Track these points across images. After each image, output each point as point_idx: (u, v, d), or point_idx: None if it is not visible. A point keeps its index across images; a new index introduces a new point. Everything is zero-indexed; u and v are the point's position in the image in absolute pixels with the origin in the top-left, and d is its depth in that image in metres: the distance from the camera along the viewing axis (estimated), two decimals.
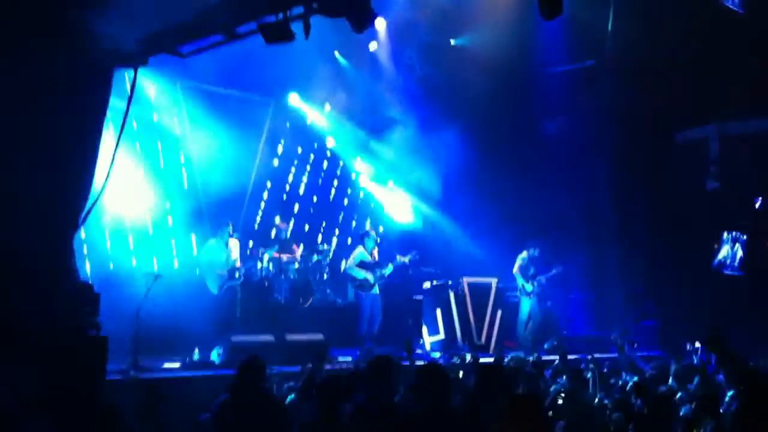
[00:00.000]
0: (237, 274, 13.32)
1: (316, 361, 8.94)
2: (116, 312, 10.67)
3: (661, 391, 8.36)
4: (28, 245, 8.17)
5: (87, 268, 13.29)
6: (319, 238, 18.28)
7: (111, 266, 14.24)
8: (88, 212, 9.03)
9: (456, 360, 11.14)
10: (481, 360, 10.72)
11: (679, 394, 8.35)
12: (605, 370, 10.34)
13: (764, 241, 16.77)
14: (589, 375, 9.31)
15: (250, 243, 16.08)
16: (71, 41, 8.25)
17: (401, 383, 7.15)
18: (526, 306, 15.49)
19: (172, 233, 15.44)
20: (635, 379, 9.28)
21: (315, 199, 18.69)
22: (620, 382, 9.49)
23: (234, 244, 13.51)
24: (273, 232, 16.37)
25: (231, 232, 13.48)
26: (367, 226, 18.04)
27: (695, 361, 12.17)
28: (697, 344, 13.52)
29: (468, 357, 10.70)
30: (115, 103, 9.43)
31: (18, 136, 8.21)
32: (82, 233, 12.74)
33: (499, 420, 5.07)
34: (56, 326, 8.12)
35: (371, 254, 14.23)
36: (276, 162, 17.72)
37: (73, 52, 8.30)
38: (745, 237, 16.87)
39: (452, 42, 17.79)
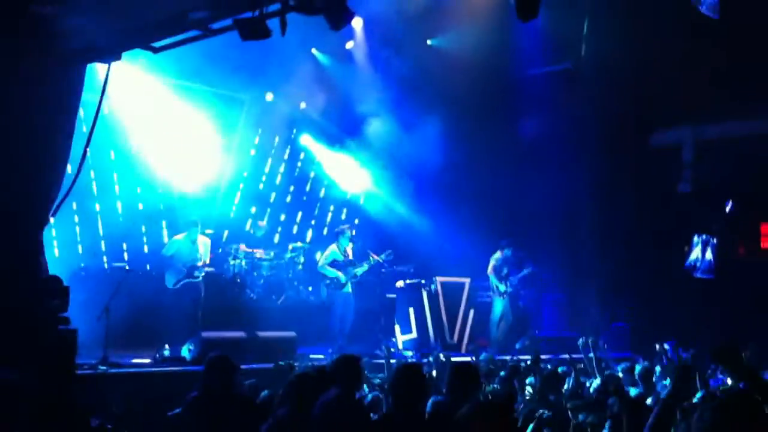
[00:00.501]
0: (196, 273, 13.20)
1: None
2: (86, 306, 10.63)
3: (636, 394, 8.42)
4: None
5: (56, 262, 13.17)
6: (294, 231, 18.24)
7: (81, 262, 14.14)
8: (58, 206, 8.98)
9: (429, 359, 11.15)
10: (454, 359, 10.75)
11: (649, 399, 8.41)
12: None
13: (734, 244, 16.94)
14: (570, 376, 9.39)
15: (225, 233, 16.03)
16: (43, 37, 8.20)
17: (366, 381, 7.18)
18: (498, 306, 15.55)
19: (144, 228, 15.36)
20: (598, 379, 9.31)
21: (289, 197, 18.66)
22: (588, 383, 9.51)
23: (203, 242, 13.40)
24: (248, 224, 16.31)
25: (199, 230, 13.37)
26: (343, 224, 17.99)
27: (664, 362, 12.29)
28: (666, 345, 13.67)
29: (441, 357, 10.70)
30: (87, 97, 9.35)
31: None
32: (52, 228, 12.65)
33: (470, 420, 5.09)
34: (25, 320, 8.05)
35: (345, 252, 14.19)
36: (251, 157, 17.68)
37: (46, 49, 8.24)
38: (715, 240, 17.03)
39: (429, 42, 17.78)
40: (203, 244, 13.38)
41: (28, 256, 8.64)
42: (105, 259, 14.50)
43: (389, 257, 14.66)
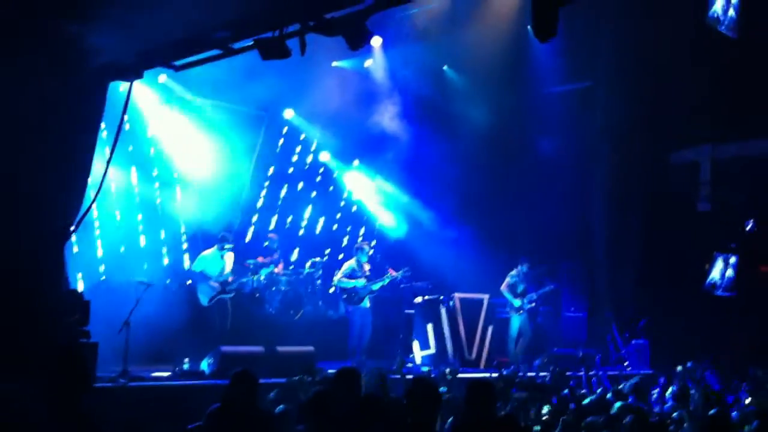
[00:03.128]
0: (228, 288, 13.32)
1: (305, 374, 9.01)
2: (107, 320, 10.73)
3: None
4: (20, 254, 8.22)
5: (78, 277, 13.31)
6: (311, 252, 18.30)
7: (102, 276, 14.27)
8: (80, 221, 9.09)
9: (441, 371, 11.18)
10: (461, 375, 10.78)
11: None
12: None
13: (755, 263, 16.88)
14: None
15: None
16: (67, 56, 8.33)
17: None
18: (516, 323, 15.55)
19: (164, 244, 15.49)
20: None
21: (308, 212, 18.76)
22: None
23: (229, 258, 13.51)
24: (266, 243, 16.37)
25: (228, 245, 13.47)
26: (360, 239, 18.08)
27: (688, 382, 12.27)
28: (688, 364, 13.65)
29: (447, 372, 10.71)
30: (109, 113, 9.49)
31: (12, 148, 8.28)
32: (75, 247, 12.80)
33: None
34: (46, 333, 8.16)
35: (363, 268, 14.25)
36: (270, 174, 17.80)
37: (70, 67, 8.38)
38: (736, 258, 16.97)
39: (445, 68, 17.91)
40: (229, 260, 13.50)
41: (50, 269, 8.75)
42: (125, 272, 14.60)
43: (407, 273, 14.71)
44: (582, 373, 11.46)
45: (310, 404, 6.85)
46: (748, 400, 10.45)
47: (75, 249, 13.20)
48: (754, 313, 15.75)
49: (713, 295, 16.95)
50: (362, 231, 19.23)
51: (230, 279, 13.39)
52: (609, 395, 9.47)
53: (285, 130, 17.88)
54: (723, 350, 14.97)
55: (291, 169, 18.45)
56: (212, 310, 13.19)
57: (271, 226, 17.59)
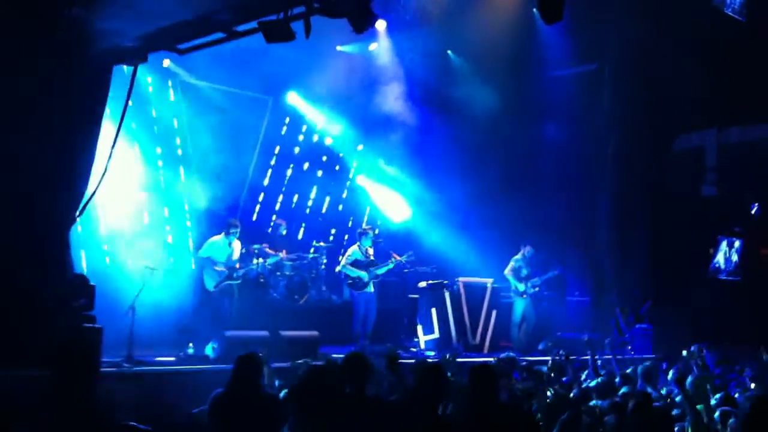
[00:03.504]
0: (235, 274, 13.33)
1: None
2: (111, 305, 10.74)
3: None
4: (25, 238, 8.21)
5: (83, 262, 13.31)
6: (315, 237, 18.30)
7: (107, 260, 14.27)
8: (85, 206, 9.08)
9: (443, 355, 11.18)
10: (460, 359, 10.78)
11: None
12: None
13: (759, 247, 16.85)
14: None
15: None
16: (71, 40, 8.30)
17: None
18: (519, 307, 15.55)
19: (169, 228, 15.48)
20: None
21: (312, 197, 18.75)
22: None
23: (237, 245, 13.53)
24: (270, 229, 16.38)
25: (234, 230, 13.49)
26: (364, 224, 18.05)
27: (693, 367, 12.26)
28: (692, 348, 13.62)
29: (447, 356, 10.70)
30: (113, 97, 9.46)
31: (17, 133, 8.26)
32: (78, 227, 12.76)
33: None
34: (51, 318, 8.16)
35: (366, 253, 14.24)
36: (273, 159, 17.79)
37: (73, 51, 8.35)
38: (740, 242, 16.95)
39: (449, 52, 17.84)
40: (237, 247, 13.52)
41: (56, 254, 8.75)
42: (130, 257, 14.59)
43: (411, 258, 14.70)
44: (587, 357, 11.44)
45: (303, 383, 6.85)
46: (752, 385, 10.44)
47: (79, 228, 13.16)
48: (759, 297, 15.73)
49: (717, 279, 16.93)
50: (366, 215, 19.17)
51: (237, 266, 13.41)
52: (617, 379, 9.44)
53: (289, 116, 17.85)
54: (727, 334, 14.94)
55: (297, 149, 18.42)
56: (218, 295, 13.20)
57: (277, 206, 17.58)
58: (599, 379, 9.32)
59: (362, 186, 19.14)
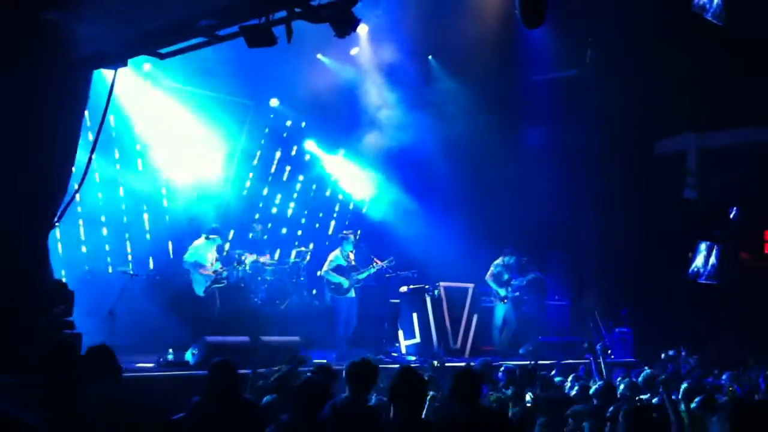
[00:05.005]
0: (220, 278, 13.31)
1: (293, 364, 8.97)
2: (91, 310, 10.66)
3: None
4: (3, 244, 8.14)
5: (61, 267, 13.22)
6: (297, 241, 18.26)
7: (86, 265, 14.18)
8: (64, 211, 9.02)
9: (427, 363, 11.19)
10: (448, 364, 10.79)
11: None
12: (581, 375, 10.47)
13: (738, 250, 16.97)
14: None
15: (227, 246, 16.07)
16: (50, 43, 8.24)
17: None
18: (500, 311, 15.62)
19: (148, 234, 15.41)
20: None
21: (293, 201, 18.72)
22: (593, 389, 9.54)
23: (214, 249, 13.54)
24: (250, 235, 16.31)
25: (214, 236, 13.50)
26: (346, 229, 18.02)
27: (670, 369, 12.34)
28: (670, 352, 13.74)
29: (435, 363, 10.70)
30: (92, 102, 9.40)
31: None
32: (57, 232, 12.68)
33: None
34: (30, 324, 8.09)
35: (348, 257, 14.22)
36: (255, 162, 17.75)
37: (53, 54, 8.28)
38: (719, 246, 17.06)
39: (429, 58, 17.85)
40: (214, 250, 13.51)
41: (34, 260, 8.68)
42: (109, 263, 14.52)
43: (391, 264, 14.71)
44: (588, 361, 11.56)
45: (297, 393, 6.81)
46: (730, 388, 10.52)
47: (58, 234, 13.07)
48: (737, 301, 15.84)
49: (697, 282, 17.03)
50: (347, 222, 19.13)
51: (220, 268, 13.37)
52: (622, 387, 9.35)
53: (271, 120, 17.80)
54: (706, 338, 15.05)
55: (278, 154, 18.37)
56: (206, 299, 13.16)
57: (257, 216, 17.53)
58: (600, 383, 9.31)
59: (342, 190, 19.12)
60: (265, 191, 18.21)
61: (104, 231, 14.78)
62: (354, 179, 18.76)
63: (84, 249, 14.28)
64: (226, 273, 13.53)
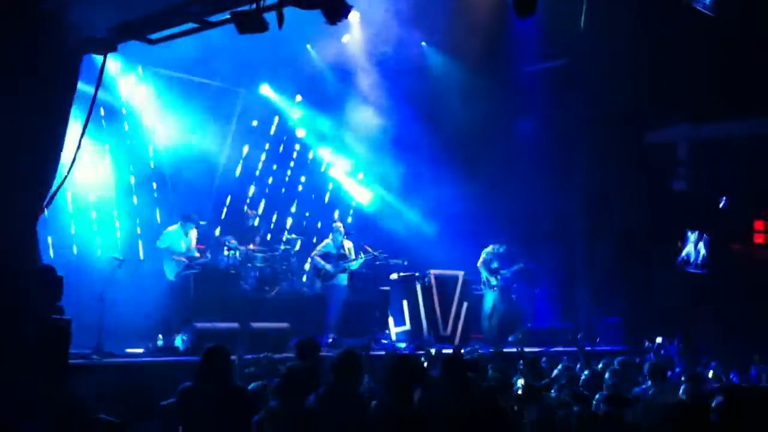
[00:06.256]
0: (194, 264, 13.28)
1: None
2: (80, 296, 10.65)
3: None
4: None
5: (50, 252, 13.18)
6: (287, 227, 18.27)
7: (75, 251, 14.15)
8: (53, 196, 8.98)
9: (422, 351, 11.24)
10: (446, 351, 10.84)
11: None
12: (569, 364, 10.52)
13: (727, 240, 17.03)
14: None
15: (217, 230, 16.06)
16: (40, 29, 8.19)
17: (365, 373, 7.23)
18: (489, 299, 15.67)
19: (138, 220, 15.38)
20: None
21: (284, 189, 18.69)
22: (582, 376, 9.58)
23: (193, 234, 13.53)
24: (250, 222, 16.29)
25: (195, 222, 13.48)
26: (336, 218, 17.99)
27: (652, 358, 12.41)
28: (658, 340, 13.82)
29: (432, 351, 10.76)
30: (82, 87, 9.34)
31: None
32: (46, 218, 12.62)
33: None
34: (19, 310, 8.06)
35: (342, 246, 14.27)
36: (245, 150, 17.69)
37: (42, 41, 8.23)
38: (708, 236, 17.12)
39: (423, 44, 17.81)
40: (193, 236, 13.50)
41: (23, 246, 8.64)
42: (98, 248, 14.47)
43: (381, 256, 14.81)
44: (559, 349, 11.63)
45: (285, 380, 6.84)
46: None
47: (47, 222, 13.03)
48: (727, 291, 15.90)
49: (686, 271, 17.09)
50: (336, 213, 19.08)
51: (197, 254, 13.39)
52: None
53: (261, 107, 17.72)
54: (695, 328, 15.10)
55: (267, 145, 18.33)
56: (177, 285, 13.12)
57: (248, 199, 17.53)
58: (587, 372, 9.36)
59: (333, 179, 19.11)
60: (256, 176, 18.15)
61: (94, 217, 14.73)
62: (344, 167, 18.77)
63: (73, 231, 14.24)
64: (203, 260, 13.49)
